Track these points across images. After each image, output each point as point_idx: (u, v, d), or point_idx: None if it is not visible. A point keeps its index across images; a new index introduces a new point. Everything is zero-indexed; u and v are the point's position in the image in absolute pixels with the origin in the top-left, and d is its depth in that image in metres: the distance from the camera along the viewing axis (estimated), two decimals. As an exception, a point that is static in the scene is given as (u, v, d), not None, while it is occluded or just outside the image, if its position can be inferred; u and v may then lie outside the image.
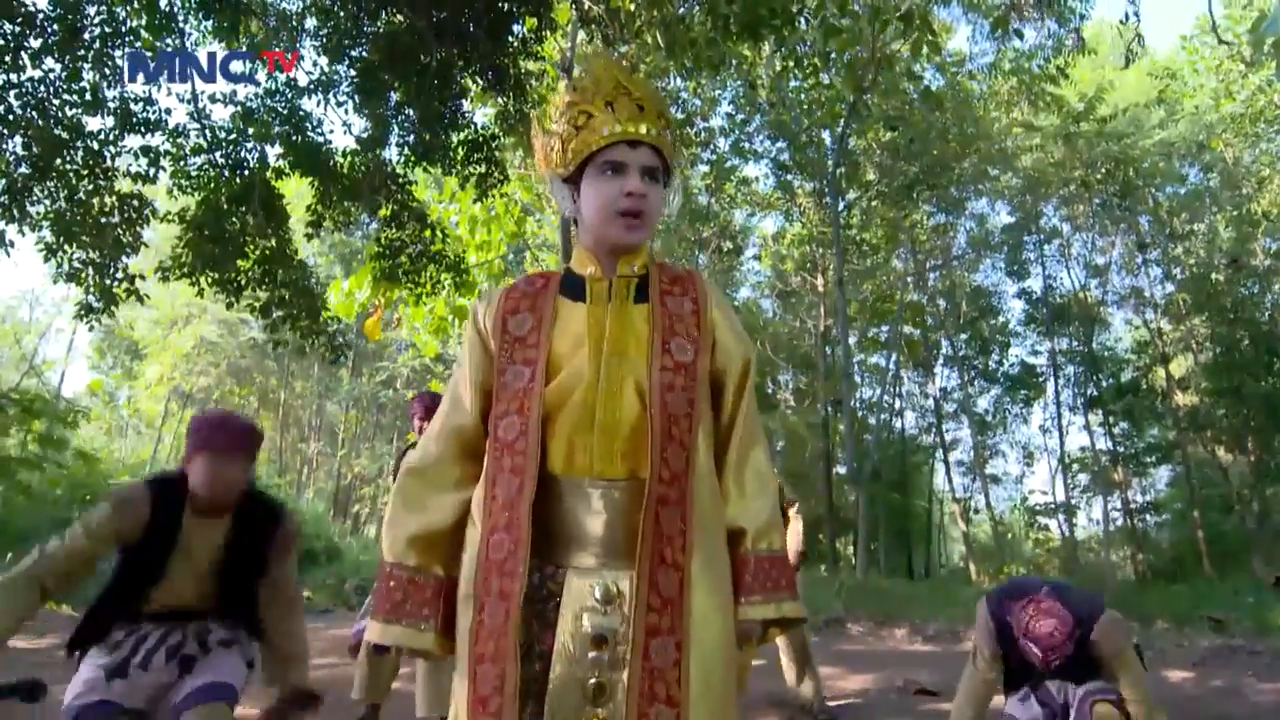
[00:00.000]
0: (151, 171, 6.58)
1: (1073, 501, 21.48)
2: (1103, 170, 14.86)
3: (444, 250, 7.93)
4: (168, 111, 6.66)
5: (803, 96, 12.05)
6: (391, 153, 7.74)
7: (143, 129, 6.50)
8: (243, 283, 6.92)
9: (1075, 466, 20.66)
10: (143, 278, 6.65)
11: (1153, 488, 22.13)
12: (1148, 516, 21.06)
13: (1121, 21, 5.84)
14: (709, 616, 1.19)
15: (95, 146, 6.34)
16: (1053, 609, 2.39)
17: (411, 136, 7.50)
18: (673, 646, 1.15)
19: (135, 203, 6.64)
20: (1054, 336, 19.34)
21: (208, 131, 6.97)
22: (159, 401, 21.91)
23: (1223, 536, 16.90)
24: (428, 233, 7.72)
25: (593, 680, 1.14)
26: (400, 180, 7.62)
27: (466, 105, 8.42)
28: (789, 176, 14.92)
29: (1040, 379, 20.51)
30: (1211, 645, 6.79)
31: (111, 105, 6.34)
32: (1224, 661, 6.09)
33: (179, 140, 6.83)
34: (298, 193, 10.15)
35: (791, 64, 6.88)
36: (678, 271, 1.41)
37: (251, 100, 7.05)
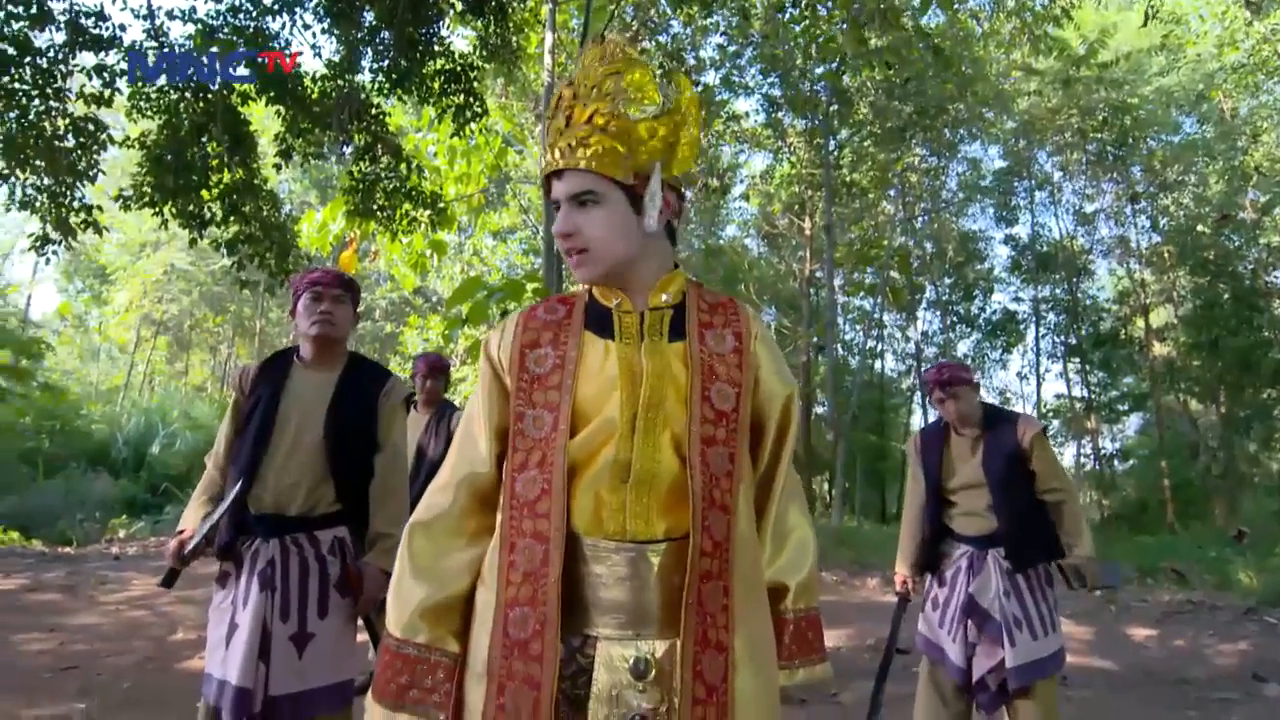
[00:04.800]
0: (107, 93, 6.20)
1: (1045, 447, 21.86)
2: (1100, 118, 14.56)
3: (420, 187, 7.62)
4: (122, 28, 6.25)
5: (796, 28, 11.58)
6: (365, 79, 7.35)
7: (95, 46, 6.09)
8: (208, 216, 6.61)
9: (1051, 414, 20.95)
10: (100, 208, 6.32)
11: (1122, 434, 22.62)
12: (1115, 463, 21.57)
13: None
14: (755, 699, 1.10)
15: (44, 64, 5.94)
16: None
17: (385, 62, 7.10)
18: None
19: (90, 126, 6.28)
20: (1038, 284, 19.33)
21: (166, 50, 6.54)
22: (129, 329, 21.43)
23: (1187, 485, 17.32)
24: (402, 167, 7.39)
25: None
26: (374, 110, 7.24)
27: (444, 29, 7.98)
28: (780, 113, 14.48)
29: (1021, 326, 20.60)
30: (1173, 600, 6.96)
31: (60, 19, 5.93)
32: (1186, 619, 6.24)
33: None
34: (265, 118, 9.68)
35: (788, 2, 6.47)
36: (716, 298, 1.24)
37: (213, 17, 6.61)
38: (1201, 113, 15.83)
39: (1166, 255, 16.90)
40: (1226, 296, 15.36)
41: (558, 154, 1.13)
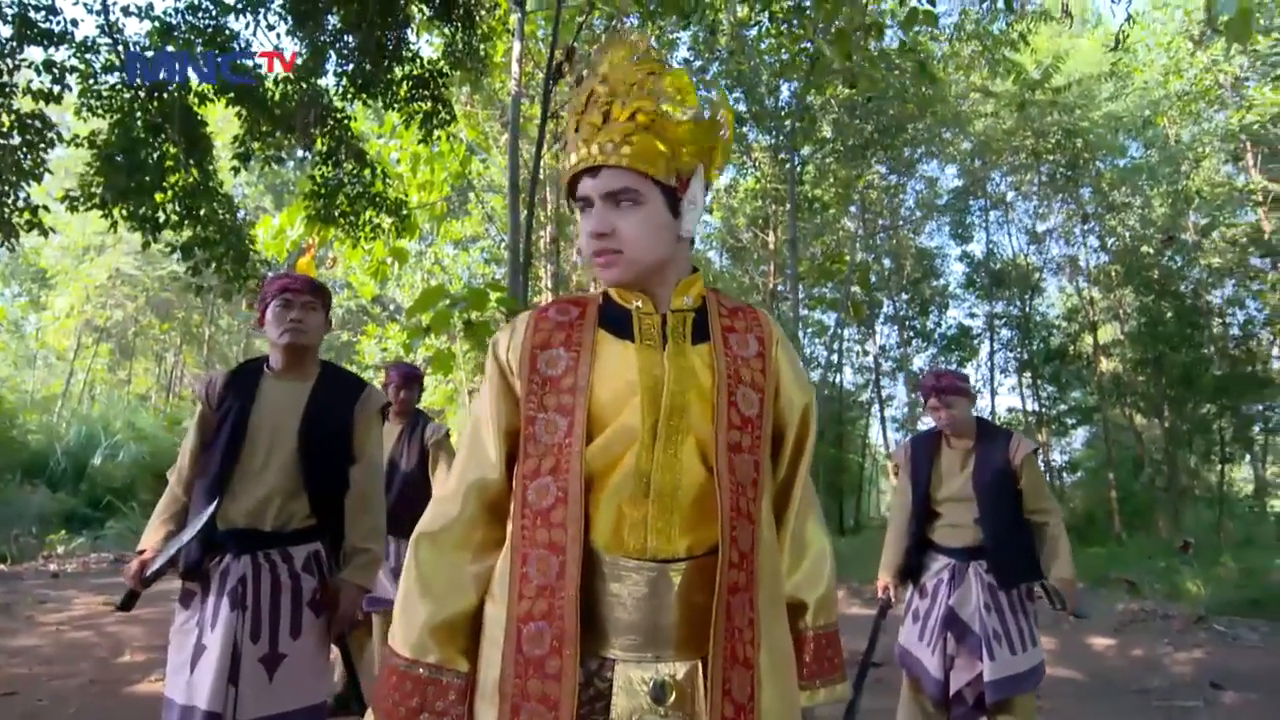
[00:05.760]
0: (56, 89, 5.95)
1: (997, 459, 22.35)
2: (1052, 140, 15.03)
3: (383, 192, 7.47)
4: (74, 22, 6.00)
5: (763, 45, 11.72)
6: (329, 83, 7.20)
7: (44, 41, 5.85)
8: (161, 219, 6.38)
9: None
10: (46, 209, 6.05)
11: (1070, 447, 23.25)
12: (1064, 475, 22.15)
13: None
14: (779, 716, 1.07)
15: (-11, 58, 5.67)
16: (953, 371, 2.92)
17: (350, 66, 6.96)
18: None
19: (38, 123, 6.00)
20: (992, 300, 19.82)
21: (120, 47, 6.31)
22: (69, 335, 20.61)
23: (1133, 497, 17.86)
24: (366, 172, 7.25)
25: None
26: (338, 114, 7.09)
27: (411, 34, 7.86)
28: (744, 129, 14.63)
29: (975, 341, 21.08)
30: (1128, 609, 7.13)
31: (8, 12, 5.68)
32: (1141, 628, 6.39)
33: (87, 55, 6.17)
34: (222, 118, 9.42)
35: (765, 18, 6.53)
36: (735, 303, 1.21)
37: (170, 14, 6.41)
38: (1147, 138, 16.46)
39: (1113, 274, 17.48)
40: (1169, 315, 15.93)
41: (595, 149, 1.07)
